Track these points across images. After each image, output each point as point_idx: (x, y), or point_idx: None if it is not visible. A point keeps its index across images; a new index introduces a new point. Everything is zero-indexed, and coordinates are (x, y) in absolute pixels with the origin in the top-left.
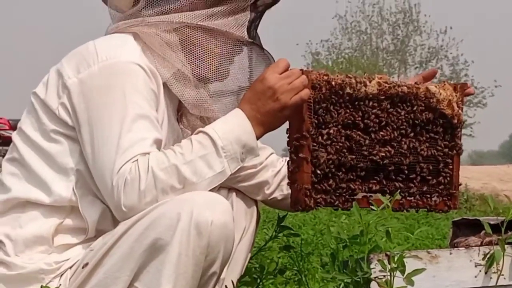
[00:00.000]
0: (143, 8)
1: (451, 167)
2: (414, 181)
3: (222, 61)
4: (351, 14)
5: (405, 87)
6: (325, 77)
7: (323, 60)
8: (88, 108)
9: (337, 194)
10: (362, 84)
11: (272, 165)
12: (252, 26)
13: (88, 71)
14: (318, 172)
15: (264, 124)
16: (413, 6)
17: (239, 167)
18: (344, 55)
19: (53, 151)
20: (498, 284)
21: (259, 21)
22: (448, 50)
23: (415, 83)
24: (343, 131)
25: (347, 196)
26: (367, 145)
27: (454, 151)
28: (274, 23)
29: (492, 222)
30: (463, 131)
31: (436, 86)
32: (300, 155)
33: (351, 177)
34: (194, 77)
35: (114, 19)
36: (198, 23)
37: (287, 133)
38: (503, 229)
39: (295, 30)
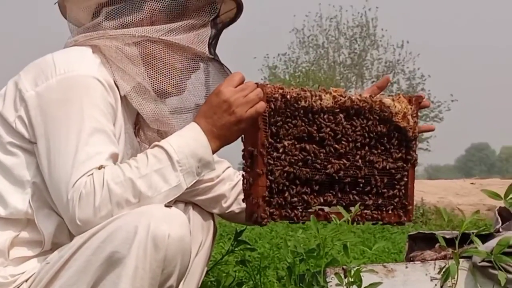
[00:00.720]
0: (103, 20)
1: (406, 179)
2: (369, 194)
3: (182, 76)
4: (309, 28)
5: (360, 100)
6: (280, 91)
7: (280, 73)
8: (45, 121)
9: (292, 207)
10: (317, 97)
11: (229, 178)
12: (213, 42)
13: (45, 84)
14: (273, 185)
15: (220, 138)
16: (370, 21)
17: (195, 181)
18: (301, 69)
19: (9, 163)
20: None
21: (218, 39)
22: (404, 64)
23: (370, 96)
24: (298, 144)
25: (302, 209)
26: (322, 158)
27: (409, 164)
28: (231, 37)
29: (447, 236)
30: (420, 145)
31: (391, 99)
32: (255, 168)
33: (306, 190)
34: (154, 91)
35: (73, 32)
36: (160, 37)
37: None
38: (457, 242)
39: (252, 43)
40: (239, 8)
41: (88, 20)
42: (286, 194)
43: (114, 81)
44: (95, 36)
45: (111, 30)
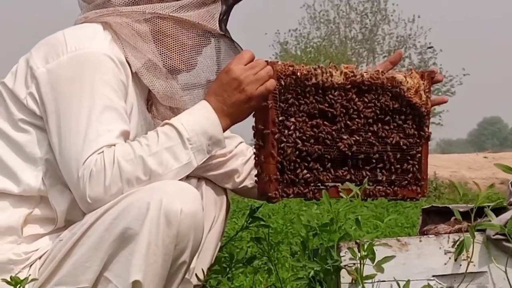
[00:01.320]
0: None
1: (419, 155)
2: (383, 170)
3: (193, 52)
4: (319, 3)
5: (371, 77)
6: (291, 68)
7: (291, 49)
8: (56, 98)
9: (305, 184)
10: (328, 74)
11: (241, 153)
12: (223, 18)
13: (56, 61)
14: (285, 162)
15: (231, 116)
16: None
17: (205, 159)
18: (313, 45)
19: (21, 140)
20: (468, 271)
21: (229, 15)
22: (416, 39)
23: (382, 71)
24: (309, 121)
25: (314, 186)
26: (333, 134)
27: (423, 140)
28: (242, 12)
29: (461, 210)
30: (432, 119)
31: (403, 75)
32: (266, 145)
33: (319, 166)
34: (165, 67)
35: (83, 9)
36: (170, 14)
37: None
38: (472, 216)
39: (263, 19)
40: None
41: None
42: (298, 171)
43: (126, 58)
44: (105, 13)
45: (121, 7)
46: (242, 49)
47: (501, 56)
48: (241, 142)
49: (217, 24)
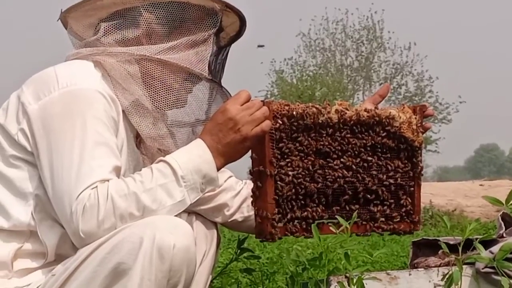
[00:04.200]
0: (102, 36)
1: (412, 189)
2: (377, 205)
3: (180, 95)
4: (315, 31)
5: (365, 113)
6: (286, 107)
7: (287, 78)
8: (48, 134)
9: (302, 222)
10: (323, 112)
11: (231, 188)
12: (218, 59)
13: (48, 98)
14: (282, 201)
15: (225, 155)
16: (376, 23)
17: (198, 197)
18: (309, 73)
19: (12, 176)
20: None
21: (226, 55)
22: (412, 66)
23: (376, 108)
24: (305, 159)
25: (311, 224)
26: (329, 172)
27: (416, 174)
28: (237, 42)
29: (451, 242)
30: (429, 147)
31: (396, 110)
32: (264, 185)
33: (314, 204)
34: (152, 107)
35: (74, 45)
36: (157, 56)
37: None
38: (460, 249)
39: (259, 48)
40: (242, 20)
41: (89, 35)
42: (295, 208)
43: (116, 95)
44: (95, 52)
45: (110, 46)
46: (230, 94)
47: (497, 83)
48: (230, 177)
49: (206, 68)
